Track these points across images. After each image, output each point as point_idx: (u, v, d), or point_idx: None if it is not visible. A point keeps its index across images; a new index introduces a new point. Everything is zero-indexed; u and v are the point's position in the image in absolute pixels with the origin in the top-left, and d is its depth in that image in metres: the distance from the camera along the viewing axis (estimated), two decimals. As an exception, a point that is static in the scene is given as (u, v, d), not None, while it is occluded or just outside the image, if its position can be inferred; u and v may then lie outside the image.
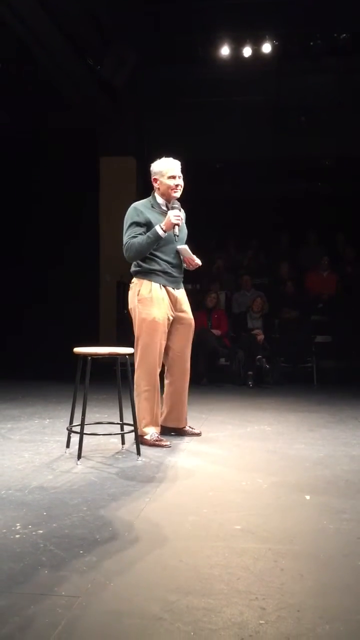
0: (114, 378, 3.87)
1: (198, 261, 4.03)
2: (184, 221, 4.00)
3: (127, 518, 2.47)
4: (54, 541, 2.21)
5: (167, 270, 3.91)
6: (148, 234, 3.81)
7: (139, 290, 3.85)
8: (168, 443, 3.84)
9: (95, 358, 3.47)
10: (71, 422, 3.67)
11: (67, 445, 3.69)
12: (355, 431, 4.43)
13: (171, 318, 3.93)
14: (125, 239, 3.85)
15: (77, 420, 3.54)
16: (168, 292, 3.91)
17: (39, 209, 9.47)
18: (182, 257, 4.01)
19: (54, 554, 2.10)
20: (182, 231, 3.99)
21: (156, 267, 3.87)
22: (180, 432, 4.16)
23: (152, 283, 3.86)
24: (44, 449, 3.72)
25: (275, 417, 5.00)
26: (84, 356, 3.47)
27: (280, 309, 8.02)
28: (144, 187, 9.66)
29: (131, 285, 3.95)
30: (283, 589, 1.85)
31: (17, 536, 2.26)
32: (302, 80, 9.32)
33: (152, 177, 4.01)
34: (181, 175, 3.97)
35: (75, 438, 3.58)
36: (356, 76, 9.09)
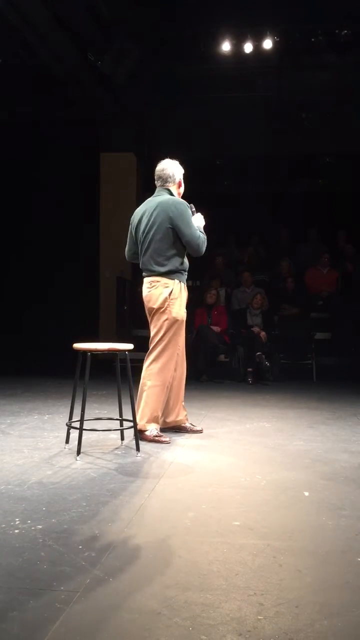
0: (114, 374, 3.87)
1: None
2: None
3: (126, 514, 2.48)
4: (53, 536, 2.21)
5: (187, 269, 4.04)
6: (202, 232, 3.95)
7: (172, 291, 3.88)
8: (167, 439, 3.84)
9: (95, 354, 3.47)
10: (70, 417, 3.67)
11: (67, 441, 3.69)
12: (355, 428, 4.44)
13: None
14: (195, 232, 3.88)
15: (76, 416, 3.55)
16: (185, 290, 4.03)
17: (39, 204, 9.46)
18: None
19: (53, 549, 2.10)
20: None
21: (185, 266, 3.98)
22: (181, 429, 4.16)
23: (181, 283, 3.95)
24: (43, 445, 3.72)
25: (275, 414, 5.00)
26: (84, 352, 3.47)
27: (280, 306, 8.02)
28: (144, 183, 9.66)
29: (156, 284, 3.90)
30: (282, 585, 1.85)
31: (17, 531, 2.26)
32: (303, 76, 9.29)
33: (178, 179, 4.05)
34: None
35: (74, 434, 3.58)
36: (357, 72, 9.06)
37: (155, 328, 3.93)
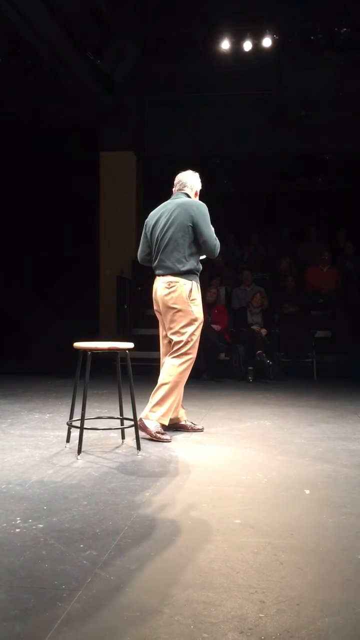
0: (114, 373, 3.87)
1: None
2: None
3: (127, 512, 2.48)
4: (54, 535, 2.21)
5: (200, 270, 4.09)
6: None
7: (191, 290, 3.92)
8: (168, 437, 3.85)
9: (96, 353, 3.47)
10: (71, 416, 3.67)
11: (67, 440, 3.70)
12: (355, 426, 4.44)
13: None
14: (213, 234, 3.95)
15: (77, 415, 3.55)
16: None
17: (38, 203, 9.46)
18: None
19: (54, 547, 2.10)
20: None
21: (199, 267, 4.03)
22: (182, 428, 4.16)
23: (197, 284, 4.00)
24: (44, 444, 3.73)
25: (275, 412, 5.00)
26: (84, 351, 3.48)
27: (280, 304, 8.02)
28: (144, 181, 9.66)
29: (175, 284, 3.90)
30: (283, 583, 1.85)
31: (18, 530, 2.26)
32: (302, 74, 9.29)
33: (197, 189, 4.17)
34: None
35: (75, 433, 3.58)
36: (357, 70, 9.05)
37: (175, 328, 3.93)
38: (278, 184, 10.79)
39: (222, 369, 7.44)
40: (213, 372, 7.27)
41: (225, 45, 8.89)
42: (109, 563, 1.99)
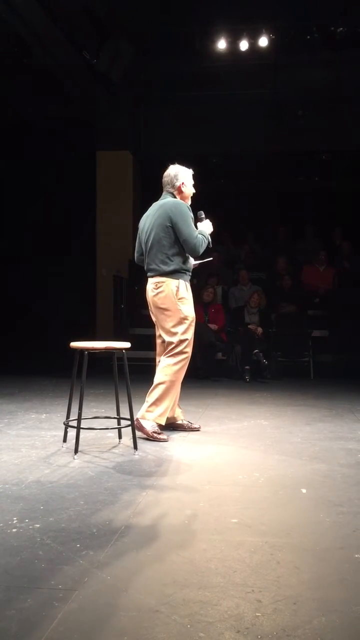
0: (111, 372, 3.87)
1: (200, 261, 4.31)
2: None
3: (124, 512, 2.48)
4: (50, 535, 2.21)
5: (190, 269, 4.09)
6: (204, 235, 4.00)
7: (178, 289, 3.92)
8: (165, 437, 3.85)
9: (92, 352, 3.47)
10: (68, 416, 3.67)
11: (64, 440, 3.69)
12: (352, 425, 4.44)
13: None
14: (193, 232, 3.91)
15: (74, 415, 3.55)
16: (190, 289, 4.08)
17: (35, 203, 9.45)
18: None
19: (50, 547, 2.10)
20: None
21: (187, 266, 4.03)
22: (179, 427, 4.16)
23: (186, 282, 4.00)
24: (41, 444, 3.72)
25: (272, 412, 5.01)
26: (81, 350, 3.47)
27: (277, 304, 8.02)
28: (141, 181, 9.66)
29: (162, 284, 3.92)
30: (279, 582, 1.85)
31: (14, 530, 2.26)
32: (299, 73, 9.29)
33: (180, 182, 4.07)
34: None
35: (72, 432, 3.58)
36: (353, 69, 9.06)
37: (166, 328, 3.93)
38: (274, 183, 10.78)
39: (219, 368, 7.44)
40: (210, 372, 7.27)
41: (222, 44, 8.89)
42: (105, 563, 1.99)
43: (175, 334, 3.91)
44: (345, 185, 10.29)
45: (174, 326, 3.91)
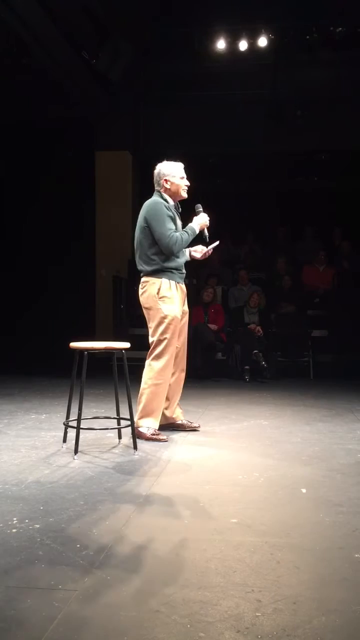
0: (111, 373, 3.87)
1: (209, 248, 4.22)
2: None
3: (124, 512, 2.48)
4: (50, 535, 2.21)
5: (180, 268, 4.03)
6: (187, 231, 3.95)
7: (160, 289, 3.88)
8: (165, 437, 3.85)
9: (92, 353, 3.47)
10: (68, 416, 3.66)
11: (64, 440, 3.69)
12: (352, 425, 4.44)
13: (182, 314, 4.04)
14: (166, 232, 3.86)
15: (73, 415, 3.55)
16: (180, 289, 4.02)
17: (34, 203, 9.44)
18: (200, 252, 4.18)
19: (50, 548, 2.10)
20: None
21: (173, 265, 3.96)
22: (179, 427, 4.16)
23: (170, 281, 3.94)
24: (41, 444, 3.72)
25: (272, 412, 5.01)
26: (81, 351, 3.47)
27: (276, 304, 8.02)
28: (140, 181, 9.65)
29: (145, 284, 3.94)
30: (279, 582, 1.85)
31: (14, 531, 2.26)
32: (298, 73, 9.29)
33: (163, 178, 4.03)
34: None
35: (72, 433, 3.58)
36: (352, 69, 9.06)
37: (151, 328, 3.94)
38: (274, 183, 10.78)
39: (219, 368, 7.44)
40: (210, 372, 7.27)
41: (221, 44, 8.89)
42: (105, 563, 1.99)
43: (155, 334, 3.89)
44: (344, 185, 10.29)
45: (155, 326, 3.89)
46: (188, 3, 8.49)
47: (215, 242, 4.22)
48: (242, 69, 9.14)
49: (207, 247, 4.19)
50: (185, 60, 9.14)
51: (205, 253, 4.19)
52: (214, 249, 4.27)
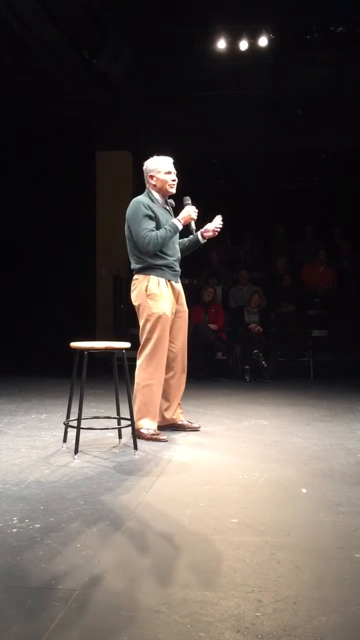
0: (111, 372, 3.87)
1: (216, 223, 4.14)
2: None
3: (124, 512, 2.48)
4: (51, 535, 2.21)
5: (171, 265, 3.98)
6: (167, 227, 3.88)
7: (147, 286, 3.86)
8: (165, 437, 3.84)
9: (92, 352, 3.47)
10: (68, 416, 3.66)
11: (64, 440, 3.69)
12: (352, 424, 4.44)
13: (174, 312, 3.98)
14: (141, 232, 3.83)
15: (74, 415, 3.55)
16: (172, 286, 3.98)
17: (35, 203, 9.44)
18: (210, 230, 4.13)
19: (51, 547, 2.10)
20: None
21: (162, 262, 3.92)
22: (179, 427, 4.16)
23: (159, 278, 3.90)
24: (41, 444, 3.72)
25: (272, 411, 5.01)
26: (81, 350, 3.47)
27: (277, 303, 8.02)
28: (140, 181, 9.64)
29: (135, 282, 3.94)
30: (279, 582, 1.86)
31: (15, 530, 2.26)
32: (298, 73, 9.28)
33: (148, 175, 4.05)
34: (175, 171, 4.04)
35: (72, 432, 3.58)
36: (353, 69, 9.06)
37: (141, 327, 3.93)
38: (274, 183, 10.77)
39: (219, 368, 7.44)
40: (210, 372, 7.27)
41: (222, 44, 8.89)
42: (106, 563, 1.99)
43: (144, 332, 3.87)
44: (344, 185, 10.28)
45: (143, 324, 3.88)
46: (188, 3, 8.49)
47: (218, 216, 4.14)
48: (242, 69, 9.13)
49: (212, 225, 4.12)
50: (185, 60, 9.13)
51: (214, 230, 4.12)
52: (219, 232, 4.17)
